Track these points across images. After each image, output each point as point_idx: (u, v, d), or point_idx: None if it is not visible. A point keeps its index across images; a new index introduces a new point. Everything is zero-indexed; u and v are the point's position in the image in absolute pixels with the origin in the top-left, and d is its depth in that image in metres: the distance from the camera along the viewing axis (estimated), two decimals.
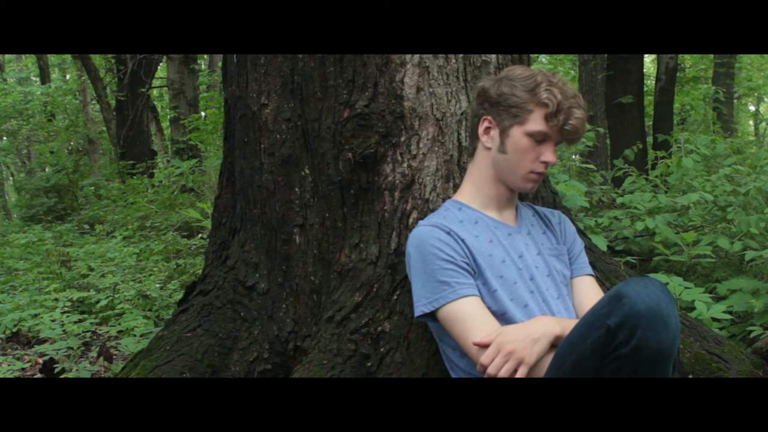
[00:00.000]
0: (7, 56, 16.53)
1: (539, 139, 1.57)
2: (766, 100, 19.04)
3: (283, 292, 1.96)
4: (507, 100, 1.58)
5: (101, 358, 2.82)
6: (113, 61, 9.63)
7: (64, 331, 3.18)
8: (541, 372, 1.43)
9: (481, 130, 1.64)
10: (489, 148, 1.63)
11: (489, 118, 1.62)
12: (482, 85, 1.65)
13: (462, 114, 1.85)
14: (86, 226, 7.54)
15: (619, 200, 3.70)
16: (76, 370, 2.58)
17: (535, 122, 1.56)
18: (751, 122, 18.91)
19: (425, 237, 1.57)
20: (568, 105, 1.55)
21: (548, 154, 1.58)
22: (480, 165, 1.66)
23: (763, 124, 18.91)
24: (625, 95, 6.59)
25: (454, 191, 1.80)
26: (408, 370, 1.77)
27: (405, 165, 1.82)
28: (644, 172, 5.01)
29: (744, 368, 1.95)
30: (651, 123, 7.79)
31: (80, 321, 3.33)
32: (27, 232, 7.12)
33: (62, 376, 2.56)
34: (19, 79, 15.59)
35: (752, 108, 18.43)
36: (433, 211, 1.76)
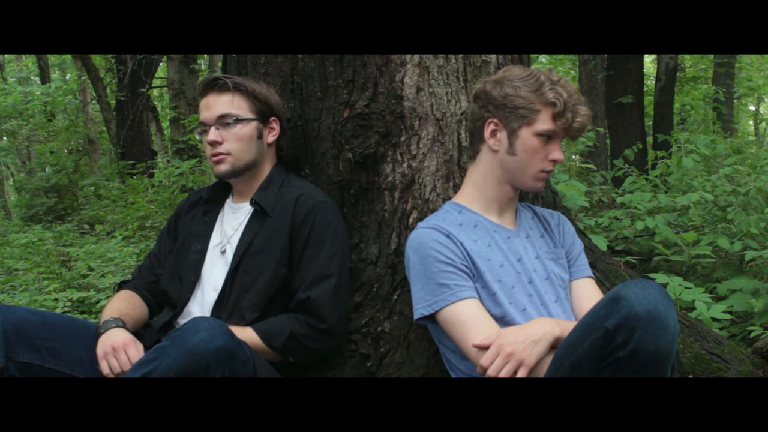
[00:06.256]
0: (7, 56, 16.51)
1: (547, 137, 1.58)
2: (766, 100, 19.03)
3: None
4: (513, 102, 1.57)
5: None
6: (113, 61, 9.61)
7: None
8: (541, 374, 1.42)
9: (487, 133, 1.62)
10: (496, 151, 1.62)
11: (495, 120, 1.61)
12: (482, 88, 1.63)
13: (462, 114, 1.85)
14: (86, 226, 7.52)
15: (619, 200, 3.70)
16: None
17: (544, 122, 1.56)
18: (751, 122, 18.90)
19: (424, 240, 1.57)
20: (573, 102, 1.56)
21: (556, 152, 1.59)
22: (484, 167, 1.66)
23: (763, 124, 18.92)
24: (625, 95, 6.58)
25: (454, 191, 1.80)
26: (408, 370, 1.77)
27: (405, 165, 1.82)
28: (644, 172, 5.02)
29: (744, 368, 1.95)
30: (651, 123, 7.78)
31: None
32: (27, 232, 7.11)
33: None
34: (19, 79, 15.58)
35: (752, 108, 18.42)
36: (433, 211, 1.76)
